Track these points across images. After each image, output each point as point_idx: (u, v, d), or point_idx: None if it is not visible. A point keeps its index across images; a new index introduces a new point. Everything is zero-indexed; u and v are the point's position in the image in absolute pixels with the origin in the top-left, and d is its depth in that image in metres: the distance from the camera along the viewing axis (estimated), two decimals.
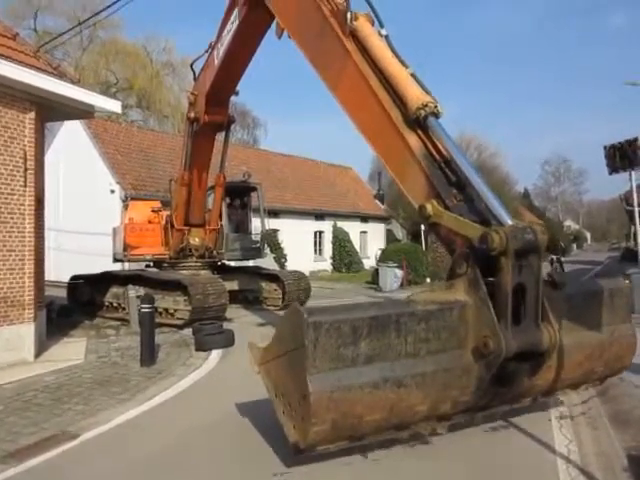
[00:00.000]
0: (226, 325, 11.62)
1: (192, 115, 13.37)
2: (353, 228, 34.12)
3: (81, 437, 5.86)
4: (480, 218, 5.56)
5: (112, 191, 22.11)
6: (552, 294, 5.42)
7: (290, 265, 25.58)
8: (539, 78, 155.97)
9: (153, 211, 15.81)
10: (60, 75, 10.09)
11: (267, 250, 20.94)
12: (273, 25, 8.97)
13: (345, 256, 32.63)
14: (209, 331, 10.61)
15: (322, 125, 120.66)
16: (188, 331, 11.76)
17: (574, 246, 77.82)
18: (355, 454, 5.04)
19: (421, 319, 4.85)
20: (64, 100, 9.77)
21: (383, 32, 6.87)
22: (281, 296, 15.83)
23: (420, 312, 4.87)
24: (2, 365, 8.66)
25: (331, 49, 7.09)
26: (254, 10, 9.57)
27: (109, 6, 13.01)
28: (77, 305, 15.25)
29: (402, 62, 6.60)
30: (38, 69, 9.39)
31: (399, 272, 22.85)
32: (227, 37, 11.02)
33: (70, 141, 23.28)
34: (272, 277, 16.37)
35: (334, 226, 32.75)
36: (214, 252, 15.63)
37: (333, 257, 32.73)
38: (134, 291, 12.75)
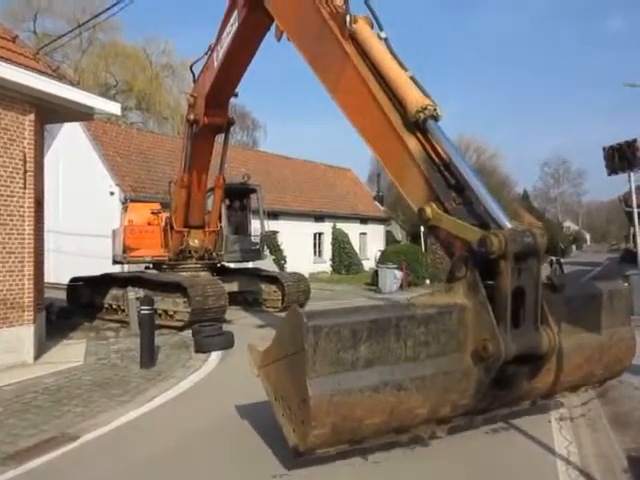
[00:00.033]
0: (226, 327, 11.63)
1: (192, 117, 13.37)
2: (352, 230, 34.11)
3: (81, 439, 5.85)
4: (479, 221, 5.58)
5: (112, 193, 22.11)
6: (551, 297, 5.43)
7: (290, 267, 25.57)
8: (539, 80, 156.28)
9: (153, 213, 15.80)
10: (60, 77, 10.10)
11: (267, 252, 20.92)
12: (272, 27, 9.00)
13: (345, 258, 32.62)
14: (209, 333, 10.62)
15: (321, 127, 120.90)
16: (188, 333, 11.76)
17: (573, 247, 77.85)
18: (355, 456, 5.04)
19: (421, 323, 4.85)
20: (64, 102, 9.77)
21: (382, 35, 6.86)
22: (281, 298, 15.83)
23: (420, 316, 4.88)
24: (1, 367, 8.66)
25: (330, 52, 7.09)
26: (253, 12, 9.57)
27: (108, 8, 13.03)
28: (77, 307, 15.24)
29: (401, 65, 6.60)
30: (38, 71, 9.39)
31: (399, 273, 22.85)
32: (227, 39, 11.03)
33: (69, 143, 23.28)
34: (272, 279, 16.37)
35: (333, 228, 32.75)
36: (213, 254, 15.63)
37: (333, 259, 32.72)
38: (134, 293, 12.75)
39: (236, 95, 13.29)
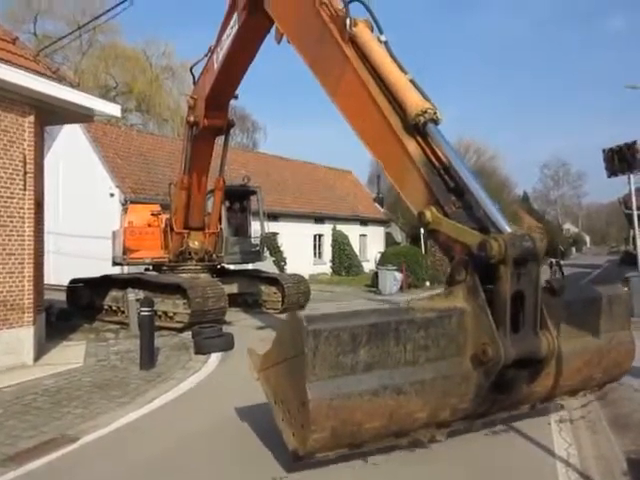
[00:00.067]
0: (225, 328, 11.62)
1: (192, 119, 13.38)
2: (352, 231, 34.12)
3: (81, 440, 5.85)
4: (479, 225, 5.58)
5: (112, 195, 22.12)
6: (551, 301, 5.44)
7: (290, 268, 25.57)
8: (540, 82, 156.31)
9: (153, 215, 15.81)
10: (60, 79, 10.10)
11: (267, 253, 20.92)
12: (273, 30, 9.01)
13: (345, 259, 32.63)
14: (208, 334, 10.62)
15: (321, 129, 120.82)
16: (187, 334, 11.75)
17: (573, 249, 77.84)
18: (355, 458, 5.04)
19: (420, 326, 4.86)
20: (64, 104, 9.78)
21: (382, 38, 6.87)
22: (280, 299, 15.86)
23: (419, 319, 4.88)
24: (1, 368, 8.66)
25: (330, 55, 7.10)
26: (253, 15, 9.58)
27: (109, 10, 13.05)
28: (76, 308, 15.24)
29: (401, 68, 6.61)
30: (38, 73, 9.40)
31: (398, 275, 22.86)
32: (227, 41, 11.03)
33: (69, 145, 23.29)
34: (271, 280, 16.39)
35: (333, 229, 32.76)
36: (213, 255, 15.64)
37: (332, 260, 32.72)
38: (133, 294, 12.75)
39: (236, 97, 13.31)
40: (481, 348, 4.94)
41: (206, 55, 12.47)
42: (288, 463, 4.89)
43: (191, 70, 13.69)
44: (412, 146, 6.15)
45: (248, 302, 16.61)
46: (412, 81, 6.49)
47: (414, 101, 6.17)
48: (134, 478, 5.06)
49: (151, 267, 15.96)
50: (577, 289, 7.07)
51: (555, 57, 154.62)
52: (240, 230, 17.03)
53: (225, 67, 11.54)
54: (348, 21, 6.82)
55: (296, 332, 4.44)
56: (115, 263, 16.34)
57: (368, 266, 32.39)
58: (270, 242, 24.25)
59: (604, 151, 14.54)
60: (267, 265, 20.89)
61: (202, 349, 10.29)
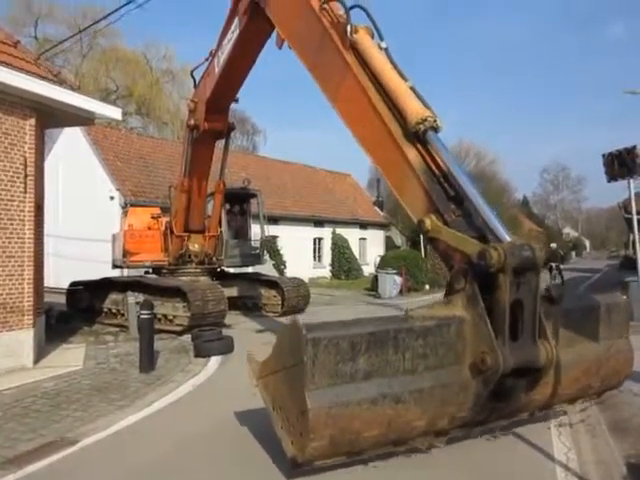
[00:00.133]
0: (225, 331, 11.61)
1: (192, 122, 13.41)
2: (352, 235, 34.14)
3: (80, 443, 5.85)
4: (478, 233, 5.59)
5: (112, 197, 22.14)
6: (549, 309, 5.44)
7: (289, 272, 25.58)
8: (539, 86, 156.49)
9: (153, 217, 15.83)
10: (60, 82, 10.12)
11: (266, 257, 20.95)
12: (273, 35, 9.04)
13: (344, 263, 32.64)
14: (208, 337, 10.62)
15: (321, 132, 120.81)
16: (187, 337, 11.75)
17: (573, 254, 77.83)
18: (355, 462, 5.03)
19: (419, 335, 4.86)
20: (64, 107, 9.80)
21: (383, 45, 6.89)
22: (280, 302, 15.86)
23: (418, 328, 4.89)
24: (1, 371, 8.66)
25: (331, 61, 7.12)
26: (255, 20, 9.61)
27: (109, 14, 13.10)
28: (76, 311, 15.24)
29: (402, 75, 6.62)
30: (39, 76, 9.42)
31: (398, 279, 22.86)
32: (227, 46, 11.06)
33: (70, 147, 23.33)
34: (271, 284, 16.39)
35: (333, 233, 32.77)
36: (213, 258, 15.66)
37: (332, 264, 32.73)
38: (133, 297, 12.75)
39: (236, 101, 13.35)
40: (480, 357, 4.95)
41: (207, 59, 12.50)
42: (288, 466, 4.89)
43: (192, 74, 13.71)
44: (412, 154, 6.16)
45: (248, 305, 16.61)
46: (412, 88, 6.50)
47: (414, 109, 6.18)
48: None
49: (151, 270, 15.98)
50: (576, 297, 7.08)
51: (555, 62, 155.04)
52: (240, 233, 17.04)
53: (226, 71, 11.57)
54: (349, 28, 6.84)
55: (295, 340, 4.44)
56: (115, 266, 16.36)
57: (368, 270, 32.41)
58: (270, 245, 24.27)
59: (604, 156, 14.54)
60: (267, 268, 20.91)
61: (202, 352, 10.29)
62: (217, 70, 11.82)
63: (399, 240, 39.89)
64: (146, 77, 39.06)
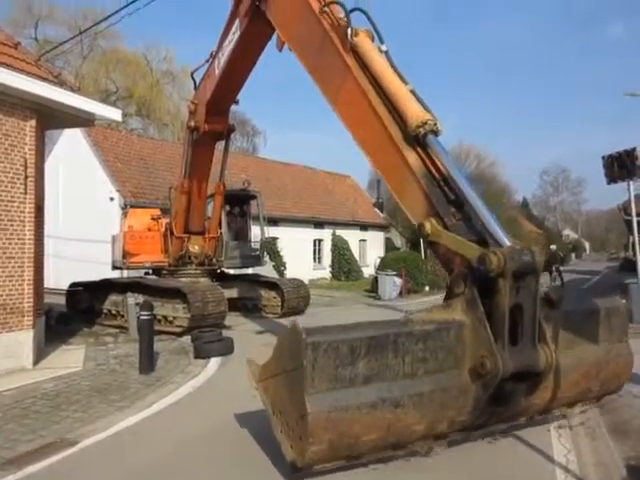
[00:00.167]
0: (225, 333, 11.62)
1: (192, 124, 13.42)
2: (352, 236, 34.14)
3: (80, 444, 5.85)
4: (478, 237, 5.59)
5: (111, 199, 22.14)
6: (549, 313, 5.44)
7: (289, 273, 25.57)
8: (538, 88, 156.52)
9: (153, 219, 15.85)
10: (61, 83, 10.13)
11: (266, 258, 20.95)
12: (274, 37, 9.05)
13: (344, 264, 32.64)
14: (208, 339, 10.62)
15: (320, 133, 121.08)
16: (187, 339, 11.76)
17: (573, 256, 77.82)
18: (355, 464, 5.03)
19: (419, 339, 4.86)
20: (65, 108, 9.81)
21: (383, 48, 6.89)
22: (280, 304, 15.87)
23: (418, 332, 4.89)
24: (1, 372, 8.66)
25: (331, 64, 7.13)
26: (255, 22, 9.61)
27: (109, 16, 13.12)
28: (76, 312, 15.24)
29: (402, 78, 6.62)
30: (39, 77, 9.43)
31: (398, 280, 22.85)
32: (228, 48, 11.07)
33: (70, 149, 23.33)
34: (271, 285, 16.40)
35: (333, 234, 32.77)
36: (213, 260, 15.66)
37: (332, 265, 32.73)
38: (133, 298, 12.74)
39: (237, 102, 13.36)
40: (479, 361, 4.95)
41: (207, 60, 12.51)
42: (287, 469, 4.89)
43: (192, 75, 13.74)
44: (412, 157, 6.16)
45: (248, 306, 16.61)
46: (412, 91, 6.50)
47: (414, 112, 6.19)
48: None
49: (151, 271, 15.98)
50: (575, 301, 7.08)
51: (555, 63, 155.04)
52: (240, 234, 17.05)
53: (226, 73, 11.58)
54: (349, 30, 6.85)
55: (295, 344, 4.45)
56: (115, 267, 16.35)
57: (368, 271, 32.42)
58: (270, 247, 24.28)
59: (604, 158, 14.54)
60: (267, 270, 20.91)
61: (201, 353, 10.29)
62: (217, 72, 11.83)
63: (399, 242, 39.90)
64: (146, 78, 39.09)
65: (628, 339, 6.52)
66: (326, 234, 32.56)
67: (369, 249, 35.70)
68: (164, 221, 15.67)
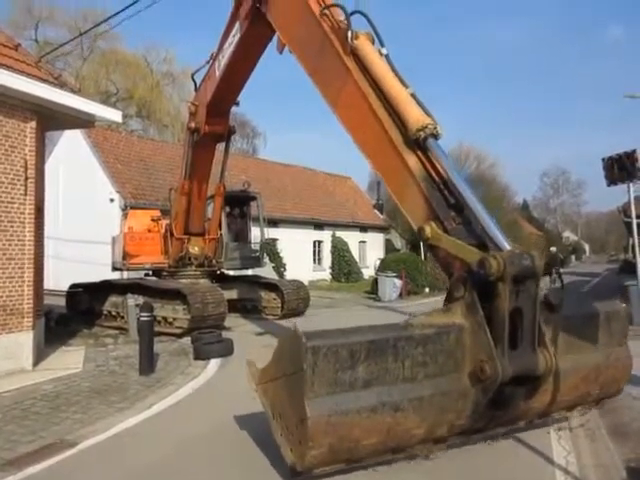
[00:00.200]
0: (225, 334, 11.62)
1: (193, 125, 13.43)
2: (352, 238, 34.16)
3: (79, 445, 5.85)
4: (478, 241, 5.60)
5: (112, 200, 22.16)
6: (549, 317, 5.44)
7: (289, 274, 25.59)
8: (539, 90, 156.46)
9: (153, 220, 15.85)
10: (61, 85, 10.15)
11: (266, 259, 20.95)
12: (274, 39, 9.06)
13: (344, 266, 32.65)
14: (208, 340, 10.62)
15: (320, 134, 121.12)
16: (187, 340, 11.76)
17: (573, 257, 77.83)
18: (355, 468, 5.02)
19: (418, 343, 4.86)
20: (65, 109, 9.81)
21: (383, 51, 6.89)
22: (280, 305, 15.88)
23: (417, 336, 4.88)
24: (0, 373, 8.66)
25: (332, 67, 7.13)
26: (256, 24, 9.63)
27: (109, 18, 13.13)
28: (76, 314, 15.24)
29: (402, 82, 6.62)
30: (39, 79, 9.44)
31: (398, 282, 22.85)
32: (228, 49, 11.09)
33: (70, 150, 23.35)
34: (271, 286, 16.40)
35: (333, 236, 32.79)
36: (213, 261, 15.67)
37: (332, 267, 32.73)
38: (133, 300, 12.75)
39: (237, 104, 13.37)
40: (479, 365, 4.95)
41: (207, 62, 12.53)
42: (287, 470, 4.89)
43: (192, 77, 13.75)
44: (412, 161, 6.16)
45: (247, 308, 16.61)
46: (413, 95, 6.49)
47: (415, 116, 6.19)
48: None
49: (151, 272, 15.97)
50: (575, 304, 7.09)
51: (555, 66, 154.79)
52: (240, 236, 17.06)
53: (227, 75, 11.60)
54: (350, 33, 6.85)
55: (295, 348, 4.44)
56: (115, 268, 16.35)
57: (367, 273, 32.43)
58: (270, 248, 24.28)
59: (604, 160, 14.55)
60: (267, 271, 20.91)
61: (201, 355, 10.29)
62: (218, 73, 11.84)
63: (399, 243, 39.89)
64: (146, 80, 39.12)
65: (627, 343, 6.52)
66: (326, 235, 32.57)
67: (369, 251, 35.70)
68: (164, 222, 15.68)
